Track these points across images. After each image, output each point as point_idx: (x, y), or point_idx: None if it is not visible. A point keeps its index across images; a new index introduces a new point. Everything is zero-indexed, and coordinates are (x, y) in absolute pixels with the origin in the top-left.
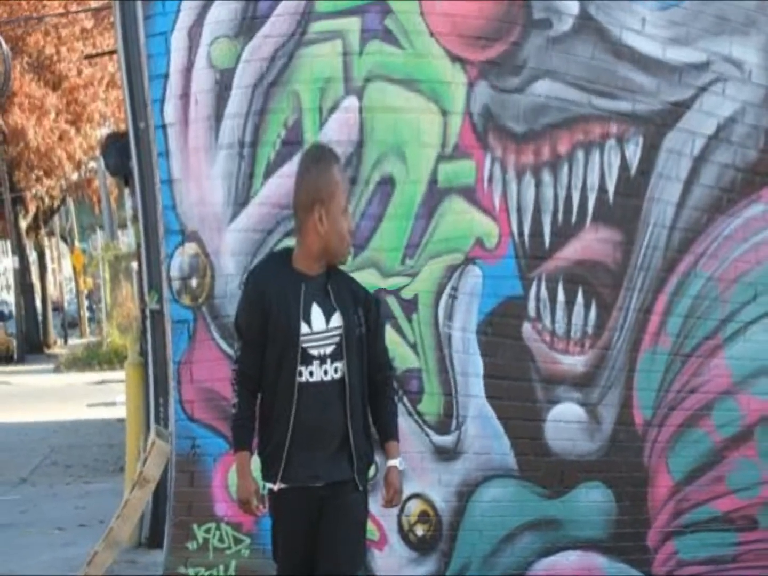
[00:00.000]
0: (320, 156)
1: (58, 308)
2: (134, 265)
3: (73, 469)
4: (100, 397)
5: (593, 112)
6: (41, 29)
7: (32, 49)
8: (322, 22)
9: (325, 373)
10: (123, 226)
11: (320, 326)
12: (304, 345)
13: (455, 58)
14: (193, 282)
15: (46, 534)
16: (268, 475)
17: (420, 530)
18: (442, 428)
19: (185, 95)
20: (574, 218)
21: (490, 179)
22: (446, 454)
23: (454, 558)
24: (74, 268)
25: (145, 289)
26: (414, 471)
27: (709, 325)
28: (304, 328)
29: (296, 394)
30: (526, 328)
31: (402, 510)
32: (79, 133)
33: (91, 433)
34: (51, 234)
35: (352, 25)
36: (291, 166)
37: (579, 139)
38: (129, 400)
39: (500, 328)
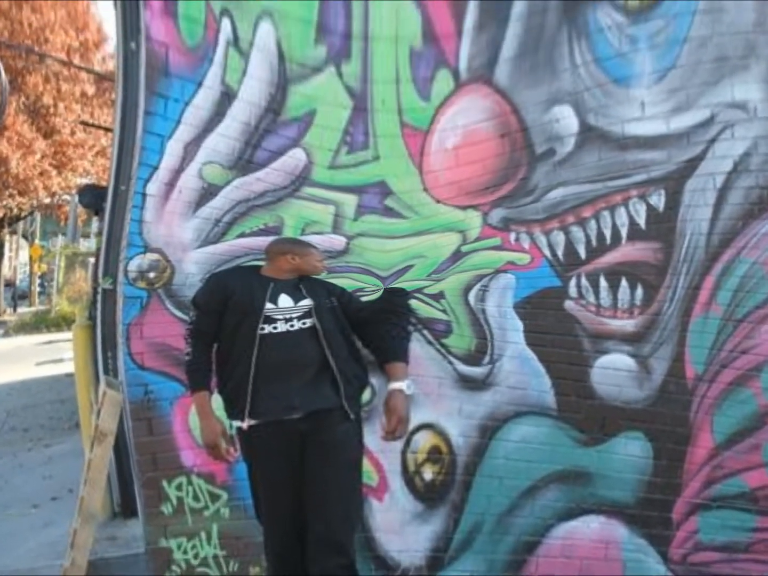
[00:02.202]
0: (300, 240)
1: (10, 284)
2: (91, 260)
3: (31, 432)
4: (48, 355)
5: (610, 190)
6: (41, 72)
7: (31, 91)
8: (317, 189)
9: (291, 326)
10: (86, 236)
11: (287, 305)
12: (268, 314)
13: (466, 207)
14: (151, 274)
15: (24, 515)
16: (233, 412)
17: (429, 473)
18: (471, 360)
19: (171, 185)
20: (608, 242)
21: (517, 240)
22: (473, 383)
23: (465, 514)
24: (30, 257)
25: (100, 275)
26: (428, 397)
27: (759, 297)
28: (269, 305)
29: (258, 340)
30: (569, 304)
31: (408, 444)
32: (60, 176)
33: (42, 391)
34: (13, 233)
35: (349, 200)
36: (267, 237)
37: (602, 206)
38: (77, 356)
39: (540, 304)
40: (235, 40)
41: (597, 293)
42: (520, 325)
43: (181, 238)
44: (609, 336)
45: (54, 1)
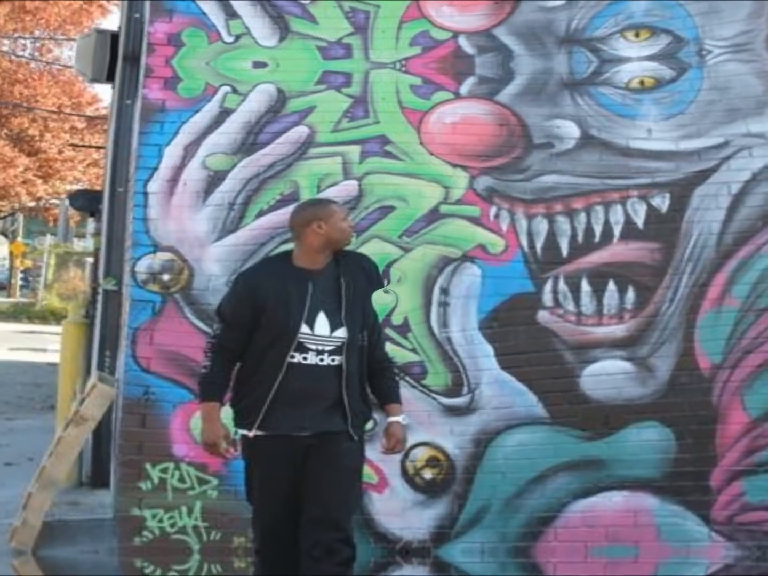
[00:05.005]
0: (318, 200)
1: None
2: (88, 259)
3: None
4: (27, 343)
5: (608, 187)
6: (29, 117)
7: (15, 126)
8: (323, 147)
9: (321, 360)
10: (80, 236)
11: (323, 332)
12: (302, 340)
13: (456, 165)
14: (165, 276)
15: None
16: (242, 423)
17: (429, 474)
18: (451, 393)
19: (173, 180)
20: (597, 239)
21: (497, 216)
22: (458, 411)
23: (469, 500)
24: (11, 253)
25: (101, 275)
26: (420, 425)
27: None
28: (304, 329)
29: (285, 367)
30: (543, 315)
31: (406, 456)
32: (47, 183)
33: (13, 373)
34: None
35: (353, 150)
36: (287, 209)
37: (595, 201)
38: (65, 349)
39: (508, 319)
40: (234, 91)
41: (577, 300)
42: (489, 349)
43: (195, 232)
44: (594, 345)
45: (49, 84)
